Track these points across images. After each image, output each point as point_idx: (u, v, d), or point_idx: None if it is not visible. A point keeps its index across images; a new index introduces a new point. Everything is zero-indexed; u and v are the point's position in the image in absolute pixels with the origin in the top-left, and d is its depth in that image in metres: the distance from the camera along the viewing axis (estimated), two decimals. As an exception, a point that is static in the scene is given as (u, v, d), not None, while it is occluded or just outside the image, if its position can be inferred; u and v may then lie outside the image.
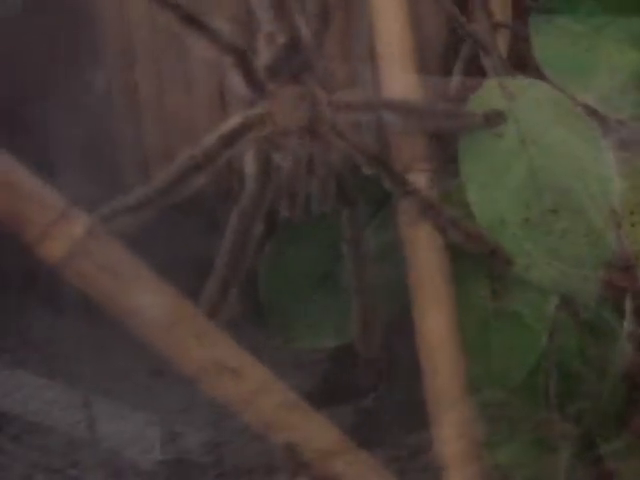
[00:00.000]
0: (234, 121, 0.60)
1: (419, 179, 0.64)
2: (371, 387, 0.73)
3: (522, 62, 0.68)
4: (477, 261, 0.64)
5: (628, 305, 0.65)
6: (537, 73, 0.66)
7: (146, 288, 0.56)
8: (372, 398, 0.73)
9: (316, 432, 0.63)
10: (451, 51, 0.72)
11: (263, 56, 0.60)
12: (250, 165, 0.60)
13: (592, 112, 0.63)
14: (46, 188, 0.55)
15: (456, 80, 0.68)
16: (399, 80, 0.64)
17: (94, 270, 0.55)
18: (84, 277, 0.55)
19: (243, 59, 0.59)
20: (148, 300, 0.56)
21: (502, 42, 0.71)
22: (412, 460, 0.75)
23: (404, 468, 0.76)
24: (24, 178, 0.55)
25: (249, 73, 0.60)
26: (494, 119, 0.64)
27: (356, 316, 0.63)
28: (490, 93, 0.65)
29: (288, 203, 0.60)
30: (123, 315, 0.56)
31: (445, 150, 0.65)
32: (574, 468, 0.69)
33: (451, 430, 0.65)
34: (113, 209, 0.57)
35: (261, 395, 0.59)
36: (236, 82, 0.60)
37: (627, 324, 0.65)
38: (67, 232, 0.55)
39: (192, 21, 0.58)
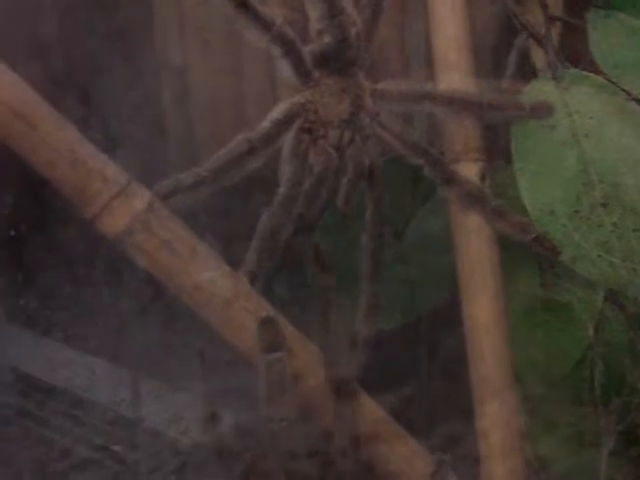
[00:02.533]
0: (282, 107, 0.61)
1: (470, 169, 0.64)
2: (413, 375, 0.73)
3: (575, 55, 0.68)
4: (527, 251, 0.64)
5: (676, 300, 0.65)
6: (590, 67, 0.66)
7: (204, 265, 0.57)
8: (413, 386, 0.73)
9: (363, 415, 0.64)
10: (503, 44, 0.73)
11: (312, 47, 0.61)
12: (286, 163, 0.60)
13: (647, 107, 0.63)
14: (110, 163, 0.56)
15: (510, 72, 0.68)
16: (452, 72, 0.64)
17: (153, 245, 0.56)
18: (143, 252, 0.56)
19: (292, 49, 0.59)
20: (206, 277, 0.57)
21: (554, 36, 0.71)
22: (450, 450, 0.75)
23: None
24: (90, 153, 0.56)
25: (297, 62, 0.60)
26: (542, 111, 0.64)
27: (363, 301, 0.64)
28: (543, 85, 0.65)
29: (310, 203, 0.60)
30: (180, 291, 0.57)
31: (497, 141, 0.65)
32: (616, 463, 0.69)
33: (494, 420, 0.66)
34: (170, 187, 0.58)
35: (309, 375, 0.60)
36: (285, 70, 0.61)
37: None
38: (128, 207, 0.56)
39: (246, 9, 0.58)
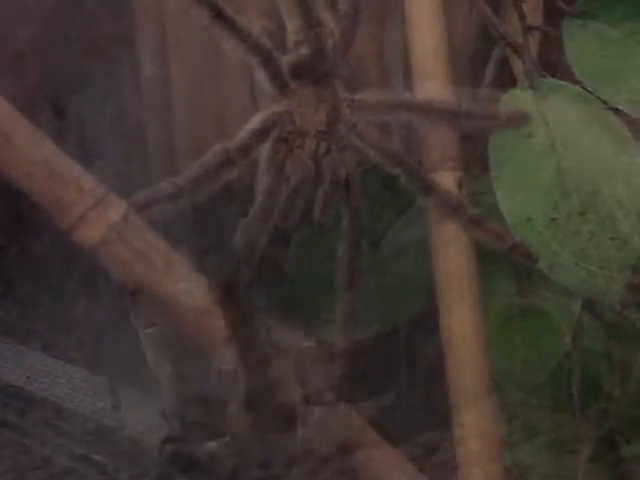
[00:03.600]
0: (260, 117, 0.61)
1: (447, 178, 0.64)
2: (391, 384, 0.73)
3: (552, 65, 0.68)
4: (504, 260, 0.64)
5: (653, 308, 0.65)
6: (567, 76, 0.66)
7: (179, 276, 0.57)
8: (392, 395, 0.73)
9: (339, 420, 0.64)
10: (480, 54, 0.73)
11: (289, 57, 0.61)
12: (262, 174, 0.60)
13: (623, 116, 0.63)
14: (85, 174, 0.56)
15: (487, 82, 0.69)
16: (430, 82, 0.64)
17: (129, 256, 0.56)
18: (118, 263, 0.56)
19: (269, 59, 0.59)
20: (180, 288, 0.57)
21: (532, 45, 0.71)
22: (429, 458, 0.75)
23: (421, 466, 0.76)
24: (64, 164, 0.56)
25: (274, 73, 0.60)
26: (519, 120, 0.64)
27: (339, 310, 0.64)
28: (520, 94, 0.65)
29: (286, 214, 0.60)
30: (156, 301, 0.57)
31: (474, 150, 0.66)
32: (594, 469, 0.69)
33: (472, 428, 0.66)
34: (148, 197, 0.58)
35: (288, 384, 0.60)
36: (262, 79, 0.60)
37: (652, 326, 0.65)
38: (104, 218, 0.56)
39: (223, 19, 0.58)
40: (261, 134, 0.60)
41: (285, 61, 0.60)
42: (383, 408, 0.69)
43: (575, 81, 0.65)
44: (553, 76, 0.66)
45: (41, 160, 0.55)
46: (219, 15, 0.58)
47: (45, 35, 0.75)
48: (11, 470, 0.75)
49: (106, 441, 0.74)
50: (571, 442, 0.70)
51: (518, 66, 0.71)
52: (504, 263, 0.66)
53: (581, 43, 0.66)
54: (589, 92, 0.64)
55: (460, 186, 0.64)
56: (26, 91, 0.69)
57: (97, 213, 0.56)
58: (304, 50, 0.60)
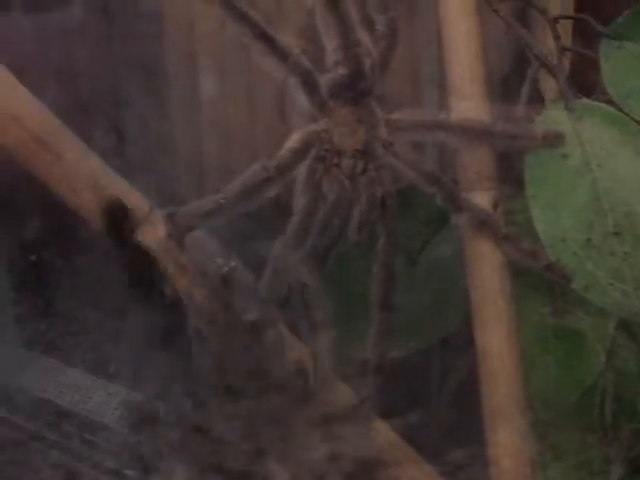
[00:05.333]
0: (297, 136, 0.61)
1: (483, 198, 0.64)
2: (425, 401, 0.73)
3: (587, 86, 0.68)
4: (539, 279, 0.65)
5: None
6: (602, 97, 0.66)
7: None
8: (425, 412, 0.73)
9: (378, 438, 0.64)
10: (516, 74, 0.73)
11: (328, 77, 0.61)
12: (300, 192, 0.60)
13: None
14: (132, 190, 0.57)
15: (523, 102, 0.69)
16: (466, 102, 0.65)
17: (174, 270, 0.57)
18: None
19: (308, 79, 0.60)
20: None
21: (566, 65, 0.71)
22: (459, 475, 0.75)
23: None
24: (112, 180, 0.57)
25: (313, 92, 0.60)
26: (554, 140, 0.64)
27: (374, 328, 0.64)
28: (556, 115, 0.65)
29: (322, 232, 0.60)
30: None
31: (510, 169, 0.66)
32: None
33: (505, 447, 0.66)
34: (188, 215, 0.58)
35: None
36: (300, 99, 0.61)
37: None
38: (151, 234, 0.56)
39: (264, 39, 0.58)
40: (300, 153, 0.60)
41: (324, 81, 0.61)
42: (415, 425, 0.69)
43: (609, 102, 0.65)
44: (588, 97, 0.66)
45: (89, 176, 0.56)
46: (261, 35, 0.58)
47: (86, 56, 0.76)
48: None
49: (138, 456, 0.74)
50: (602, 463, 0.69)
51: (550, 87, 0.71)
52: (539, 282, 0.66)
53: (617, 64, 0.66)
54: (624, 113, 0.64)
55: (496, 205, 0.64)
56: (72, 109, 0.70)
57: (144, 229, 0.56)
58: (342, 70, 0.60)
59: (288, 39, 0.60)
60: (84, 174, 0.56)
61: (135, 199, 0.57)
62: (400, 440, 0.66)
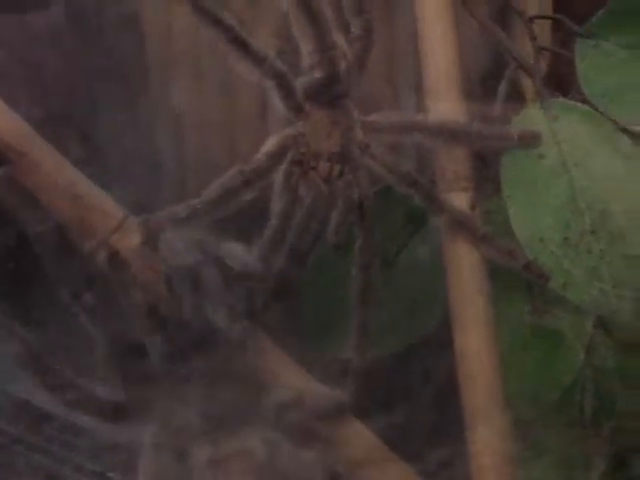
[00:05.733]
0: (274, 140, 0.61)
1: (460, 198, 0.64)
2: (404, 401, 0.73)
3: (563, 85, 0.68)
4: (516, 279, 0.65)
5: (667, 326, 0.65)
6: (578, 96, 0.66)
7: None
8: (405, 412, 0.73)
9: (354, 438, 0.64)
10: (491, 75, 0.73)
11: (303, 80, 0.61)
12: (277, 196, 0.60)
13: (635, 137, 0.63)
14: (107, 198, 0.57)
15: (499, 103, 0.69)
16: (442, 103, 0.65)
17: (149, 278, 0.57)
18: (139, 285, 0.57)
19: (283, 82, 0.60)
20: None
21: (542, 66, 0.71)
22: (440, 474, 0.75)
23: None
24: (88, 189, 0.57)
25: (288, 95, 0.60)
26: (530, 140, 0.64)
27: (353, 328, 0.64)
28: (532, 115, 0.65)
29: (300, 235, 0.60)
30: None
31: (486, 169, 0.66)
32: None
33: (485, 445, 0.66)
34: (163, 220, 0.58)
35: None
36: (276, 102, 0.61)
37: (665, 345, 0.65)
38: (126, 241, 0.56)
39: (239, 43, 0.58)
40: (276, 156, 0.60)
41: (299, 84, 0.60)
42: (395, 425, 0.69)
43: (585, 101, 0.65)
44: (564, 96, 0.66)
45: (66, 185, 0.56)
46: (235, 39, 0.58)
47: (64, 65, 0.75)
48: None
49: (121, 458, 0.74)
50: (583, 459, 0.70)
51: (528, 86, 0.71)
52: (517, 282, 0.66)
53: (592, 64, 0.66)
54: (600, 112, 0.64)
55: (473, 206, 0.64)
56: (48, 119, 0.69)
57: (119, 236, 0.56)
58: (318, 73, 0.60)
59: (263, 42, 0.60)
60: (62, 183, 0.56)
61: (110, 207, 0.57)
62: (379, 441, 0.65)
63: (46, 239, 0.56)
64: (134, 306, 0.57)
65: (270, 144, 0.61)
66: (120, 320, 0.58)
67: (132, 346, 0.59)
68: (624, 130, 0.64)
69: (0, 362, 0.73)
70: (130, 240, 0.56)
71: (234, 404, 0.60)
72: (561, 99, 0.66)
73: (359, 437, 0.65)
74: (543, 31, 0.74)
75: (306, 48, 0.60)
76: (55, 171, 0.57)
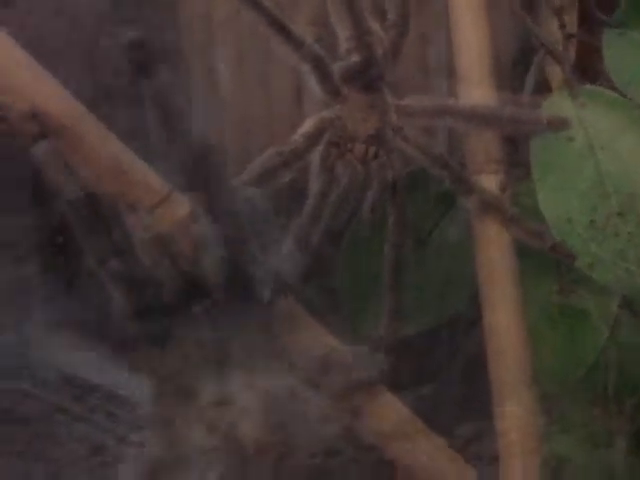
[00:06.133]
0: (312, 122, 0.62)
1: (491, 180, 0.66)
2: (436, 377, 0.74)
3: (591, 72, 0.69)
4: (545, 259, 0.65)
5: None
6: (605, 83, 0.67)
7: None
8: (432, 388, 0.74)
9: (387, 411, 0.65)
10: (521, 61, 0.74)
11: (340, 64, 0.62)
12: (314, 176, 0.62)
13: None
14: (151, 172, 0.58)
15: (529, 88, 0.70)
16: (474, 88, 0.66)
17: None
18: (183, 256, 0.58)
19: (321, 66, 0.61)
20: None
21: (571, 53, 0.72)
22: (468, 448, 0.76)
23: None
24: (133, 163, 0.58)
25: (325, 79, 0.61)
26: (559, 125, 0.65)
27: (385, 305, 0.65)
28: (561, 100, 0.66)
29: (336, 214, 0.62)
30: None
31: (516, 153, 0.67)
32: (628, 462, 0.70)
33: (513, 420, 0.67)
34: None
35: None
36: (313, 85, 0.62)
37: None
38: (170, 214, 0.58)
39: (278, 27, 0.59)
40: (313, 138, 0.62)
41: (336, 68, 0.62)
42: (426, 399, 0.70)
43: (612, 88, 0.66)
44: (592, 83, 0.67)
45: (111, 159, 0.57)
46: (275, 23, 0.59)
47: (100, 48, 0.76)
48: (66, 456, 0.75)
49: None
50: (606, 436, 0.70)
51: (555, 73, 0.72)
52: (545, 262, 0.67)
53: (619, 52, 0.66)
54: (627, 99, 0.65)
55: (503, 188, 0.65)
56: (94, 93, 0.70)
57: (164, 209, 0.58)
58: (355, 58, 0.61)
59: (302, 27, 0.61)
60: (106, 157, 0.58)
61: (155, 181, 0.58)
62: (411, 414, 0.67)
63: (79, 208, 0.57)
64: (167, 274, 0.59)
65: (307, 126, 0.62)
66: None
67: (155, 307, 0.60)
68: (650, 115, 0.65)
69: (46, 335, 0.74)
70: (175, 214, 0.58)
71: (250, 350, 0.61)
72: (589, 86, 0.66)
73: (392, 410, 0.67)
74: (571, 20, 0.74)
75: (343, 34, 0.61)
76: (99, 144, 0.58)
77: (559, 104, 0.66)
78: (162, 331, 0.61)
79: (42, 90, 0.58)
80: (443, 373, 0.74)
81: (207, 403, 0.62)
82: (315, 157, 0.62)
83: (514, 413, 0.67)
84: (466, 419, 0.72)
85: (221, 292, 0.59)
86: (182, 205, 0.58)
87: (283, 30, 0.60)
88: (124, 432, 0.73)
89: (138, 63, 0.56)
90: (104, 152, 0.58)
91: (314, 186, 0.62)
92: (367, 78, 0.62)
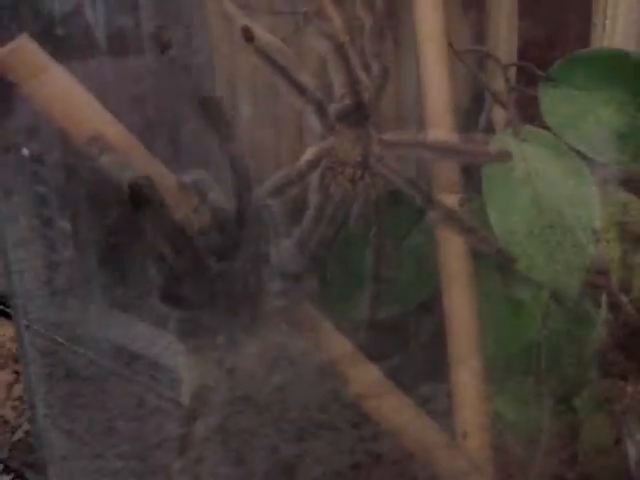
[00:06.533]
0: (312, 150, 0.61)
1: (451, 199, 0.64)
2: (402, 349, 0.72)
3: (529, 116, 0.68)
4: (492, 261, 0.64)
5: (603, 300, 0.64)
6: (541, 124, 0.66)
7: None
8: (401, 357, 0.72)
9: (365, 373, 0.64)
10: (474, 106, 0.72)
11: (335, 106, 0.61)
12: (313, 193, 0.60)
13: (583, 156, 0.63)
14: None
15: (481, 128, 0.68)
16: (439, 127, 0.64)
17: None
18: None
19: (320, 107, 0.60)
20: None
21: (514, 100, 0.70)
22: (426, 405, 0.74)
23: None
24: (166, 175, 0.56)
25: (323, 118, 0.60)
26: (504, 157, 0.63)
27: (368, 294, 0.64)
28: (506, 138, 0.65)
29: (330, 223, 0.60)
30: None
31: (472, 178, 0.65)
32: (556, 416, 0.69)
33: (464, 383, 0.65)
34: None
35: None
36: (313, 122, 0.61)
37: (602, 313, 0.65)
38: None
39: (288, 78, 0.59)
40: (313, 164, 0.61)
41: (332, 109, 0.61)
42: (397, 367, 0.69)
43: (547, 128, 0.65)
44: (530, 124, 0.65)
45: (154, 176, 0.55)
46: (285, 74, 0.59)
47: (150, 91, 0.74)
48: (119, 407, 0.75)
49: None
50: (537, 397, 0.69)
51: (501, 116, 0.70)
52: (493, 263, 0.65)
53: (552, 100, 0.65)
54: (557, 136, 0.64)
55: (461, 204, 0.64)
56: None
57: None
58: (347, 101, 0.60)
59: (306, 77, 0.60)
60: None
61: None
62: (384, 377, 0.65)
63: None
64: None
65: (309, 154, 0.61)
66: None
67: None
68: (574, 151, 0.63)
69: (102, 313, 0.73)
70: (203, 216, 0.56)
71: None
72: (528, 126, 0.65)
73: (369, 374, 0.65)
74: (513, 75, 0.73)
75: (338, 82, 0.60)
76: (145, 166, 0.56)
77: (504, 140, 0.65)
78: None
79: (105, 125, 0.56)
80: (411, 346, 0.72)
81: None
82: (314, 178, 0.60)
83: (465, 377, 0.65)
84: (427, 381, 0.70)
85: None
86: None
87: (292, 80, 0.59)
88: (162, 390, 0.72)
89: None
90: (149, 171, 0.56)
91: (313, 201, 0.60)
92: (356, 117, 0.61)
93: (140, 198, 0.53)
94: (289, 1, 0.69)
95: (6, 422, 0.98)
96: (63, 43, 0.57)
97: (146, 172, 0.54)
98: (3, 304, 0.97)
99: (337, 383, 0.64)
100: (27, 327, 0.73)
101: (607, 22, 0.67)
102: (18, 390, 0.99)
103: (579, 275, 0.62)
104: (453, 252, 0.64)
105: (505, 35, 0.71)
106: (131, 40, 0.65)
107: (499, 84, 0.69)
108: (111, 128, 0.56)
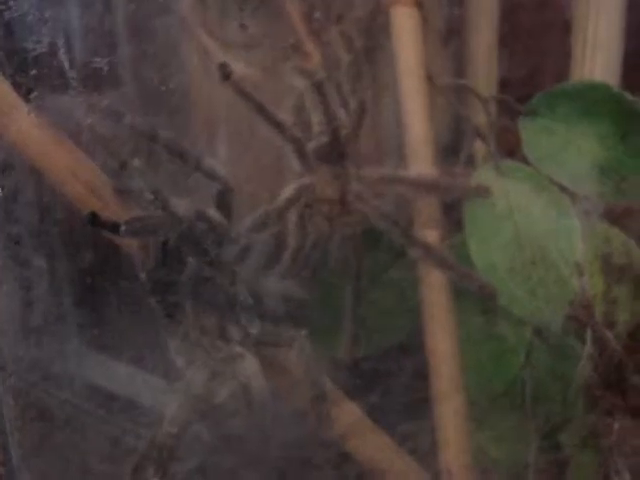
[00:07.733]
0: (291, 188, 0.61)
1: (432, 234, 0.64)
2: (382, 387, 0.72)
3: (510, 150, 0.68)
4: (474, 297, 0.64)
5: (588, 334, 0.64)
6: (522, 159, 0.66)
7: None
8: (384, 396, 0.72)
9: (345, 412, 0.63)
10: (457, 140, 0.73)
11: (313, 144, 0.61)
12: (293, 230, 0.60)
13: (564, 189, 0.63)
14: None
15: (462, 162, 0.69)
16: (419, 162, 0.64)
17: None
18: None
19: (298, 145, 0.60)
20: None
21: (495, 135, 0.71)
22: (408, 443, 0.74)
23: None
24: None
25: (302, 155, 0.61)
26: (485, 192, 0.64)
27: (346, 331, 0.64)
28: (487, 172, 0.65)
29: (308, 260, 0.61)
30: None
31: (453, 213, 0.65)
32: (541, 453, 0.69)
33: (447, 420, 0.65)
34: None
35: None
36: (292, 159, 0.61)
37: (587, 349, 0.65)
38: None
39: (267, 115, 0.59)
40: (292, 201, 0.60)
41: (310, 146, 0.61)
42: (378, 405, 0.69)
43: (527, 163, 0.65)
44: (511, 159, 0.66)
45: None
46: (264, 112, 0.59)
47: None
48: (94, 448, 0.74)
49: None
50: (522, 435, 0.69)
51: (482, 150, 0.71)
52: (474, 299, 0.65)
53: (532, 134, 0.65)
54: (538, 172, 0.64)
55: (441, 240, 0.64)
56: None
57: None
58: (324, 139, 0.61)
59: (284, 115, 0.60)
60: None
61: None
62: (364, 416, 0.65)
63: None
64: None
65: (288, 191, 0.60)
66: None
67: None
68: (556, 184, 0.64)
69: (79, 353, 0.72)
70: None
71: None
72: (509, 161, 0.65)
73: (348, 413, 0.64)
74: (493, 109, 0.73)
75: (315, 119, 0.60)
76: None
77: (485, 175, 0.65)
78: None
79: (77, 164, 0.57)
80: (391, 384, 0.72)
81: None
82: (293, 215, 0.60)
83: (448, 416, 0.65)
84: (408, 420, 0.70)
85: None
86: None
87: (270, 118, 0.59)
88: (138, 430, 0.71)
89: None
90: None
91: (292, 238, 0.60)
92: (334, 155, 0.61)
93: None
94: (267, 36, 0.69)
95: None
96: (36, 82, 0.57)
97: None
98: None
99: (318, 422, 0.64)
100: (1, 367, 0.72)
101: (587, 54, 0.68)
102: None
103: (562, 309, 0.62)
104: (434, 288, 0.64)
105: (485, 68, 0.72)
106: (106, 79, 0.65)
107: (480, 118, 0.69)
108: (83, 165, 0.56)
